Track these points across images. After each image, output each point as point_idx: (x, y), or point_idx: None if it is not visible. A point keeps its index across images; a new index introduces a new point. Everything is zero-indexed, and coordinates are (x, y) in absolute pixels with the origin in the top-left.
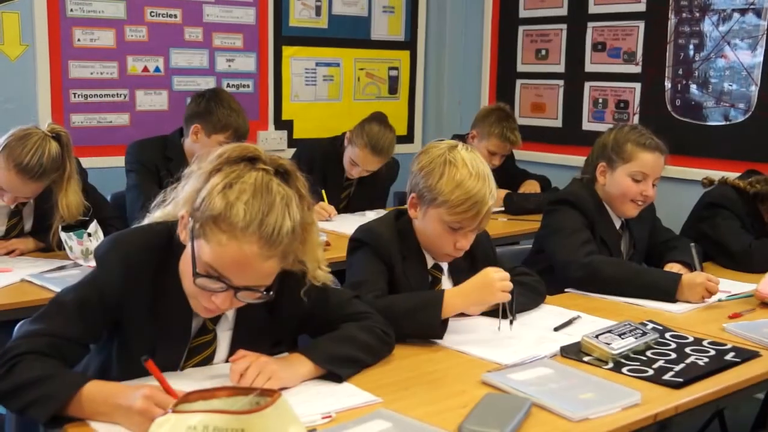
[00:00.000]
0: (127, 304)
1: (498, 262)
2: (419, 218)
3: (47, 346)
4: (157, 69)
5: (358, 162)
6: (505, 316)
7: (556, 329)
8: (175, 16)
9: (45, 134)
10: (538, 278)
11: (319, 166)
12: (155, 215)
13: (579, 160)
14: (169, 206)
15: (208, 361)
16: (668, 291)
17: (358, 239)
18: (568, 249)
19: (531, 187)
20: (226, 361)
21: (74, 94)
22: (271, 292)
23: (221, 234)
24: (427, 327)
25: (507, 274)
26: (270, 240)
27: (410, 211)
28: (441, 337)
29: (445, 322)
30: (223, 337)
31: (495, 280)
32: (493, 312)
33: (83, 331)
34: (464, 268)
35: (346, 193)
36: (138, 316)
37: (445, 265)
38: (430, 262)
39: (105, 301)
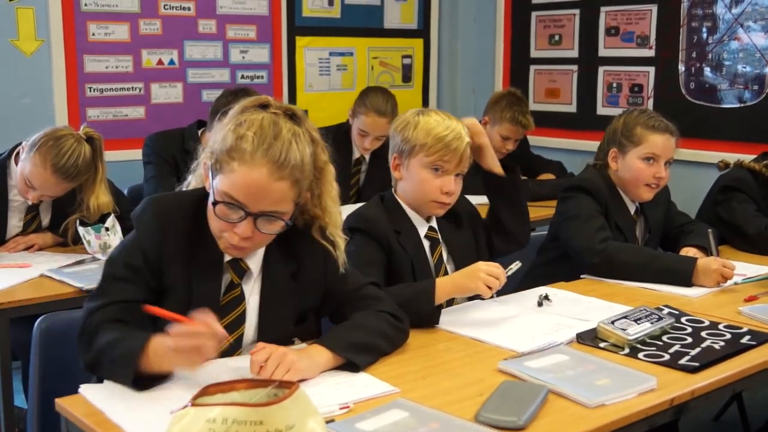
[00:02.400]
0: (167, 257)
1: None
2: (403, 176)
3: (119, 312)
4: (171, 62)
5: (366, 129)
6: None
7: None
8: (189, 8)
9: (79, 136)
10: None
11: None
12: (190, 180)
13: (594, 145)
14: (200, 169)
15: (239, 323)
16: (684, 276)
17: (350, 227)
18: (583, 236)
19: (546, 178)
20: (256, 329)
21: (90, 88)
22: (290, 221)
23: (233, 162)
24: (423, 315)
25: (499, 271)
26: (278, 162)
27: (395, 174)
28: (436, 323)
29: (439, 309)
30: (252, 302)
31: (480, 270)
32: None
33: (142, 291)
34: (451, 228)
35: (356, 179)
36: (176, 268)
37: (435, 225)
38: (422, 230)
39: (149, 261)
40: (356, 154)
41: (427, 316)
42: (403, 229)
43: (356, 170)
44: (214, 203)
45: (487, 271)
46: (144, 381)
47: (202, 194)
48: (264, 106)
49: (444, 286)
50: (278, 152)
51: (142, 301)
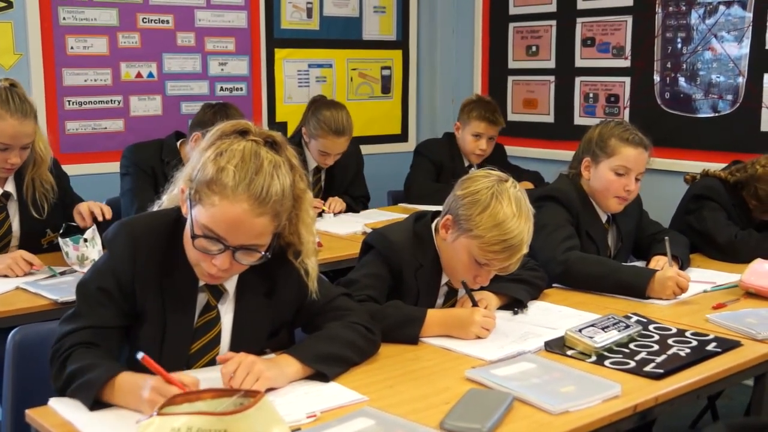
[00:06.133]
0: (140, 282)
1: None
2: (448, 241)
3: (91, 336)
4: (150, 74)
5: (327, 150)
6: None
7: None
8: (168, 21)
9: (5, 86)
10: (539, 274)
11: None
12: (163, 200)
13: (571, 155)
14: (175, 189)
15: (214, 345)
16: (639, 288)
17: (368, 243)
18: (548, 246)
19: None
20: (230, 347)
21: (69, 101)
22: (268, 253)
23: (214, 196)
24: (404, 341)
25: (491, 319)
26: (259, 198)
27: (441, 231)
28: (415, 344)
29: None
30: (226, 321)
31: (475, 323)
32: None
33: (115, 316)
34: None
35: (318, 188)
36: (150, 293)
37: None
38: (445, 277)
39: (122, 285)
40: (312, 164)
41: (408, 341)
42: (427, 264)
43: (317, 179)
44: (193, 236)
45: (482, 324)
46: (102, 404)
47: (176, 216)
48: (244, 132)
49: (434, 322)
50: (260, 187)
51: (114, 327)
